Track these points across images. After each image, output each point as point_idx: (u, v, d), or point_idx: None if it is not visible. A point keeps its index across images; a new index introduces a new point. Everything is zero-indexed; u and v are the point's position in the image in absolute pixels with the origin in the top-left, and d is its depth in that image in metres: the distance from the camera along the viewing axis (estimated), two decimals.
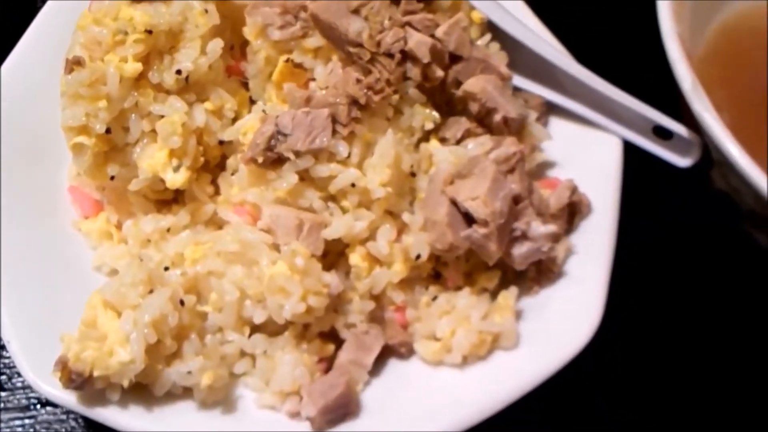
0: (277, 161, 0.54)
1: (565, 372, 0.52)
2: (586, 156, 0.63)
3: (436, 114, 0.58)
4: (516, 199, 0.54)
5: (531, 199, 0.57)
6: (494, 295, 0.57)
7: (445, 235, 0.52)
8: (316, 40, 0.57)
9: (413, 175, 0.57)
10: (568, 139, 0.65)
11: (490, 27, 0.64)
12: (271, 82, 0.58)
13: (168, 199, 0.58)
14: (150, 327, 0.48)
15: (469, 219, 0.53)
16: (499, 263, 0.56)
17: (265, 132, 0.53)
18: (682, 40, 0.58)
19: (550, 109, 0.66)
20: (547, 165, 0.64)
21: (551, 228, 0.55)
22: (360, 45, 0.56)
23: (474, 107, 0.59)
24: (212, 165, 0.58)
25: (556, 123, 0.66)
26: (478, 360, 0.54)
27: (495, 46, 0.63)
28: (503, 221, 0.53)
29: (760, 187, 0.50)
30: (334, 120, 0.54)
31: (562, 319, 0.55)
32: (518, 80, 0.65)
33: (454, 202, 0.53)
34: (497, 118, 0.59)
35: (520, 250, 0.55)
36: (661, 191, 0.67)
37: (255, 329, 0.53)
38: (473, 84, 0.58)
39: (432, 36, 0.58)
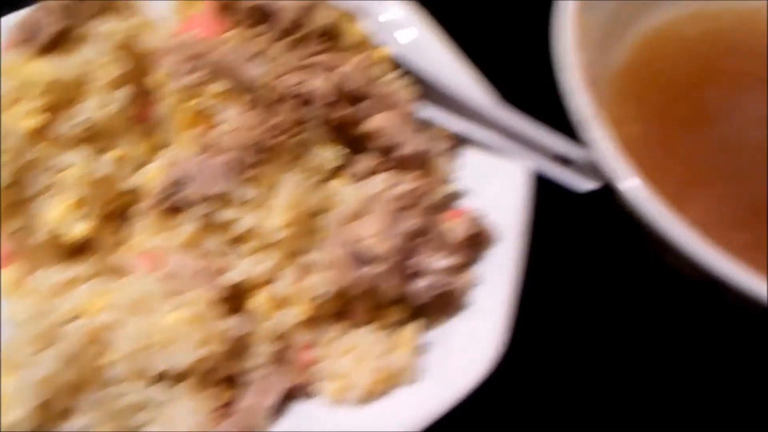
0: (180, 207, 0.54)
1: (469, 402, 0.53)
2: (494, 185, 0.64)
3: (341, 152, 0.58)
4: (415, 235, 0.55)
5: (432, 232, 0.57)
6: (400, 329, 0.57)
7: (344, 274, 0.54)
8: (221, 85, 0.57)
9: (319, 214, 0.56)
10: (478, 168, 0.66)
11: (398, 63, 0.65)
12: (178, 128, 0.58)
13: (74, 249, 0.57)
14: (42, 384, 0.49)
15: (367, 258, 0.53)
16: (404, 298, 0.57)
17: (169, 178, 0.54)
18: (583, 65, 0.59)
19: (460, 140, 0.66)
20: (455, 195, 0.65)
21: (450, 261, 0.56)
22: (262, 89, 0.56)
23: (379, 143, 0.59)
24: (118, 213, 0.58)
25: (465, 153, 0.67)
26: (380, 396, 0.55)
27: (402, 82, 0.64)
28: (400, 258, 0.53)
29: (649, 218, 0.52)
30: (238, 164, 0.54)
31: (464, 351, 0.56)
32: (428, 112, 0.65)
33: (353, 241, 0.53)
34: (401, 153, 0.60)
35: (419, 284, 0.56)
36: (571, 216, 0.67)
37: (156, 378, 0.53)
38: (377, 121, 0.59)
39: (335, 76, 0.58)
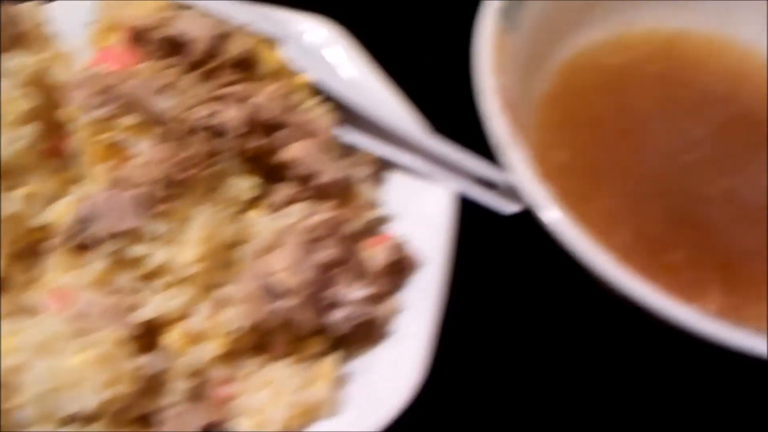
0: (89, 245, 0.53)
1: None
2: (419, 209, 0.65)
3: (257, 183, 0.58)
4: (329, 266, 0.55)
5: (351, 262, 0.57)
6: (320, 361, 0.57)
7: (257, 308, 0.54)
8: (133, 118, 0.57)
9: (235, 246, 0.56)
10: (402, 193, 0.66)
11: (320, 89, 0.65)
12: (90, 162, 0.58)
13: None
14: None
15: (279, 291, 0.53)
16: (324, 329, 0.57)
17: (77, 215, 0.54)
18: (503, 90, 0.60)
19: (385, 164, 0.66)
20: (379, 221, 0.65)
21: (368, 291, 0.56)
22: (173, 121, 0.55)
23: (297, 173, 0.59)
24: (29, 251, 0.58)
25: (391, 177, 0.68)
26: (299, 430, 0.55)
27: (323, 108, 0.64)
28: (314, 290, 0.53)
29: (571, 242, 0.53)
30: (148, 199, 0.54)
31: (385, 380, 0.56)
32: (353, 137, 0.66)
33: (265, 275, 0.53)
34: (320, 181, 0.60)
35: (336, 316, 0.56)
36: (497, 238, 0.68)
37: (67, 420, 0.52)
38: (292, 151, 0.59)
39: (249, 106, 0.58)
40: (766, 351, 0.49)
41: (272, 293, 0.54)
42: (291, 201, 0.61)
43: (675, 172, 0.69)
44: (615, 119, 0.71)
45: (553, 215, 0.54)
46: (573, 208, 0.58)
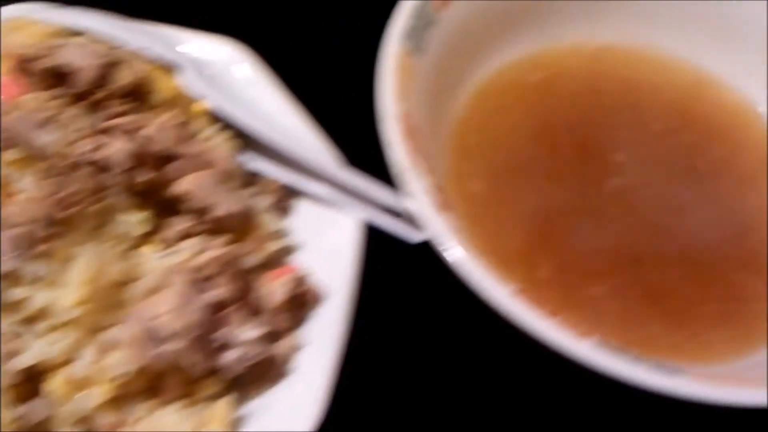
0: None
1: None
2: (326, 239, 0.64)
3: (147, 218, 0.57)
4: (220, 306, 0.54)
5: (247, 299, 0.56)
6: (213, 404, 0.56)
7: (139, 354, 0.52)
8: (17, 152, 0.56)
9: (125, 285, 0.55)
10: (309, 222, 0.65)
11: (223, 115, 0.64)
12: None
13: None
14: None
15: (163, 334, 0.52)
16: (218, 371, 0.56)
17: None
18: (407, 116, 0.59)
19: (291, 193, 0.66)
20: (285, 251, 0.64)
21: (261, 330, 0.55)
22: (55, 156, 0.54)
23: (191, 206, 0.58)
24: None
25: (298, 206, 0.67)
26: None
27: (223, 136, 0.63)
28: (202, 332, 0.52)
29: (465, 273, 0.53)
30: (27, 239, 0.52)
31: (283, 421, 0.55)
32: (258, 165, 0.65)
33: (149, 317, 0.52)
34: (215, 214, 0.58)
35: (228, 357, 0.55)
36: (405, 266, 0.67)
37: None
38: (186, 183, 0.58)
39: (137, 139, 0.57)
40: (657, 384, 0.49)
41: (156, 337, 0.52)
42: (185, 236, 0.59)
43: (597, 198, 0.68)
44: (534, 142, 0.71)
45: (451, 247, 0.53)
46: (487, 240, 0.59)
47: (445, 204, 0.55)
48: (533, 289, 0.55)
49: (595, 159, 0.70)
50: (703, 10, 0.74)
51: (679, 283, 0.65)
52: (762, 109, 0.74)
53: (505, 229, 0.65)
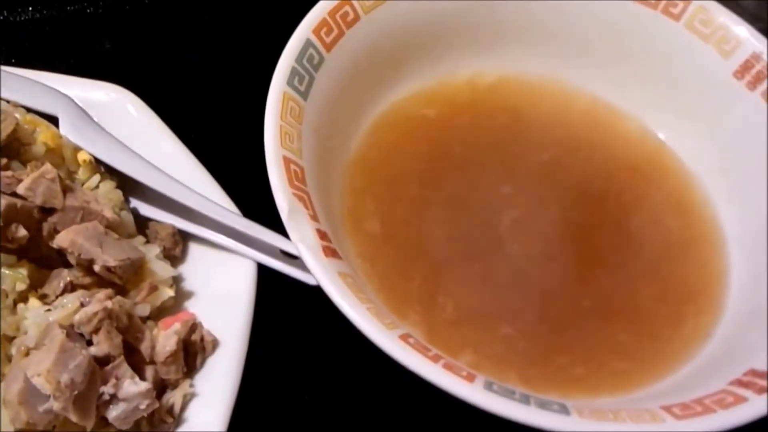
0: None
1: None
2: (220, 284, 0.67)
3: (25, 274, 0.60)
4: (103, 361, 0.57)
5: (138, 349, 0.59)
6: None
7: (20, 413, 0.54)
8: None
9: (10, 340, 0.58)
10: (204, 267, 0.68)
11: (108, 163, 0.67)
12: None
13: None
14: None
15: (43, 393, 0.55)
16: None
17: None
18: (291, 161, 0.62)
19: (185, 238, 0.69)
20: (181, 297, 0.67)
21: (145, 385, 0.58)
22: None
23: (75, 258, 0.61)
24: None
25: (193, 250, 0.70)
26: None
27: (108, 185, 0.66)
28: (81, 390, 0.55)
29: (352, 318, 0.55)
30: None
31: None
32: (149, 210, 0.68)
33: (30, 375, 0.55)
34: (98, 267, 0.61)
35: (114, 412, 0.57)
36: (305, 309, 0.70)
37: None
38: (63, 238, 0.61)
39: (13, 194, 0.59)
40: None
41: (38, 395, 0.55)
42: (69, 288, 0.62)
43: (492, 233, 0.71)
44: (426, 181, 0.74)
45: (333, 292, 0.56)
46: (387, 280, 0.63)
47: (328, 250, 0.58)
48: (436, 331, 0.60)
49: (487, 193, 0.74)
50: (599, 40, 0.79)
51: (585, 314, 0.68)
52: (660, 134, 0.80)
53: (405, 270, 0.68)
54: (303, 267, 0.66)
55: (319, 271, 0.57)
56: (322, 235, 0.58)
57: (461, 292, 0.68)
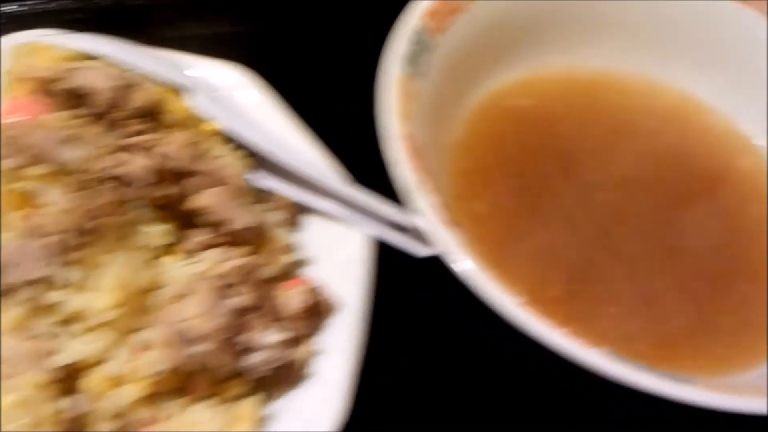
0: (4, 292, 0.64)
1: None
2: (336, 253, 0.74)
3: (169, 230, 0.69)
4: (244, 311, 0.65)
5: (266, 306, 0.68)
6: (241, 403, 0.66)
7: (171, 354, 0.62)
8: (42, 168, 0.67)
9: (152, 291, 0.68)
10: (320, 236, 0.76)
11: (233, 135, 0.75)
12: (3, 211, 0.69)
13: None
14: None
15: (193, 336, 0.63)
16: (244, 372, 0.66)
17: None
18: (411, 137, 0.69)
19: (302, 208, 0.77)
20: (297, 265, 0.74)
21: (284, 335, 0.66)
22: (81, 172, 0.66)
23: (208, 219, 0.70)
24: None
25: (308, 221, 0.78)
26: None
27: (236, 154, 0.75)
28: (229, 335, 0.63)
29: (477, 284, 0.61)
30: (59, 247, 0.65)
31: (306, 422, 0.65)
32: (269, 182, 0.77)
33: (179, 321, 0.63)
34: (232, 228, 0.70)
35: (253, 359, 0.65)
36: (416, 281, 0.78)
37: None
38: (202, 199, 0.69)
39: (156, 156, 0.69)
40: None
41: (186, 339, 0.63)
42: (205, 247, 0.70)
43: (590, 219, 0.79)
44: (526, 167, 0.82)
45: (462, 261, 0.63)
46: (496, 258, 0.67)
47: (451, 220, 0.65)
48: (544, 305, 0.64)
49: (580, 181, 0.82)
50: (693, 37, 0.86)
51: (689, 298, 0.76)
52: (746, 128, 0.87)
53: (513, 250, 0.75)
54: (414, 239, 0.74)
55: (445, 240, 0.64)
56: (442, 208, 0.65)
57: (567, 272, 0.75)
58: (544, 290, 0.71)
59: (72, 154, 0.67)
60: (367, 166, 0.76)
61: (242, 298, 0.66)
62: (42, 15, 0.99)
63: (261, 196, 0.75)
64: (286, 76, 0.82)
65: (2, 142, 0.66)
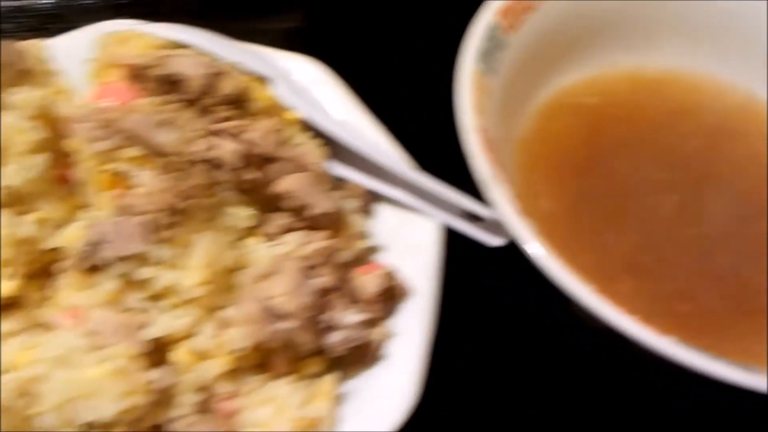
0: (99, 267, 0.66)
1: None
2: (407, 240, 0.76)
3: (253, 213, 0.71)
4: (326, 292, 0.67)
5: (345, 288, 0.71)
6: (319, 380, 0.68)
7: (257, 330, 0.65)
8: (134, 150, 0.70)
9: (235, 271, 0.71)
10: (392, 224, 0.78)
11: (311, 125, 0.77)
12: (96, 190, 0.72)
13: (4, 305, 0.69)
14: None
15: (279, 314, 0.65)
16: (322, 350, 0.69)
17: (88, 239, 0.66)
18: (484, 131, 0.71)
19: (375, 197, 0.79)
20: (370, 251, 0.76)
21: (363, 316, 0.68)
22: (173, 154, 0.69)
23: (290, 204, 0.73)
24: (43, 271, 0.70)
25: (380, 209, 0.80)
26: None
27: (314, 143, 0.77)
28: (312, 314, 0.66)
29: (551, 271, 0.63)
30: (153, 226, 0.67)
31: (379, 401, 0.67)
32: (343, 171, 0.79)
33: (265, 298, 0.66)
34: (312, 212, 0.72)
35: (333, 338, 0.67)
36: (484, 267, 0.81)
37: (85, 428, 0.65)
38: (285, 184, 0.72)
39: (243, 141, 0.71)
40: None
41: (273, 316, 0.66)
42: (286, 230, 0.73)
43: (656, 216, 0.79)
44: (591, 164, 0.83)
45: (537, 249, 0.64)
46: (563, 253, 0.66)
47: (524, 211, 0.66)
48: (614, 299, 0.64)
49: (645, 178, 0.82)
50: (762, 37, 0.86)
51: (762, 297, 0.75)
52: None
53: (578, 246, 0.75)
54: (486, 229, 0.77)
55: (519, 230, 0.66)
56: (514, 200, 0.67)
57: (636, 269, 0.76)
58: (613, 285, 0.70)
59: (165, 138, 0.69)
60: (440, 158, 0.78)
61: (324, 279, 0.68)
62: (116, 8, 1.04)
63: (336, 183, 0.77)
64: (360, 70, 0.84)
65: (96, 125, 0.68)
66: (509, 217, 0.67)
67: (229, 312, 0.67)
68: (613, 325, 0.61)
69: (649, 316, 0.63)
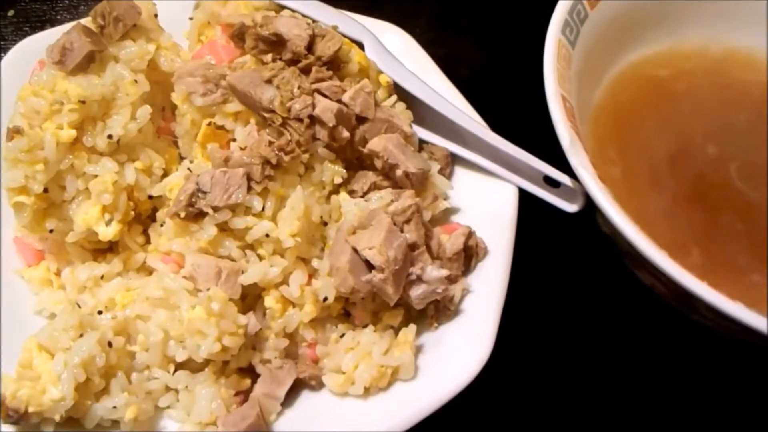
0: (198, 215, 0.63)
1: (460, 400, 0.62)
2: (485, 203, 0.73)
3: (343, 170, 0.68)
4: (412, 247, 0.64)
5: (428, 245, 0.67)
6: (398, 331, 0.66)
7: (347, 280, 0.62)
8: (235, 106, 0.67)
9: (324, 224, 0.67)
10: (470, 187, 0.75)
11: (397, 88, 0.74)
12: (197, 142, 0.69)
13: (103, 249, 0.67)
14: (79, 367, 0.57)
15: (369, 265, 0.62)
16: (402, 303, 0.66)
17: (188, 189, 0.63)
18: (566, 99, 0.67)
19: (454, 160, 0.76)
20: (450, 211, 0.73)
21: (445, 272, 0.65)
22: (272, 111, 0.65)
23: (378, 163, 0.69)
24: (143, 217, 0.68)
25: (459, 172, 0.76)
26: (380, 391, 0.63)
27: (401, 106, 0.74)
28: (398, 267, 0.62)
29: (628, 234, 0.59)
30: (250, 178, 0.64)
31: (457, 352, 0.64)
32: (425, 134, 0.75)
33: (355, 251, 0.63)
34: (399, 172, 0.69)
35: (417, 291, 0.65)
36: (554, 233, 0.77)
37: (179, 366, 0.62)
38: (376, 143, 0.69)
39: (339, 101, 0.68)
40: None
41: (362, 268, 0.63)
42: (372, 188, 0.70)
43: (721, 184, 0.75)
44: (658, 135, 0.78)
45: (617, 215, 0.61)
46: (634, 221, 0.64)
47: (603, 177, 0.63)
48: (687, 268, 0.60)
49: (709, 147, 0.78)
50: None
51: None
52: None
53: (649, 215, 0.72)
54: (563, 195, 0.73)
55: (598, 195, 0.62)
56: (593, 166, 0.63)
57: (703, 242, 0.71)
58: (684, 256, 0.66)
59: (266, 95, 0.67)
60: (518, 124, 0.76)
61: (411, 235, 0.65)
62: None
63: (420, 146, 0.74)
64: (442, 39, 0.81)
65: (199, 81, 0.65)
66: (590, 183, 0.63)
67: (318, 263, 0.63)
68: (688, 288, 0.58)
69: (723, 286, 0.59)
